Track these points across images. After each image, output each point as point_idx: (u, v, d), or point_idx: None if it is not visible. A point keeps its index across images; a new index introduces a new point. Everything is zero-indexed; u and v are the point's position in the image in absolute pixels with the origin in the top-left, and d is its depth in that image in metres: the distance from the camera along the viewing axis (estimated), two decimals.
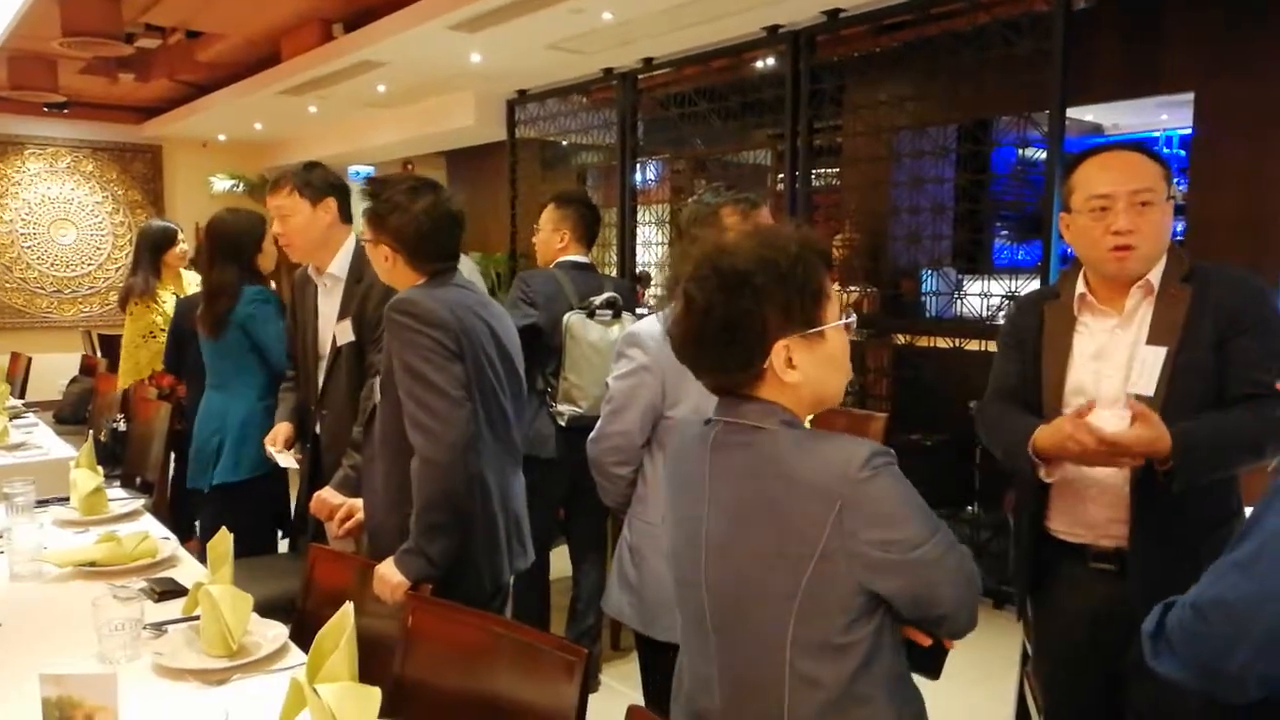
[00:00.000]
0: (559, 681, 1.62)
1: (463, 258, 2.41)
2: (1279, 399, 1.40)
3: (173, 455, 3.94)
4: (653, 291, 6.90)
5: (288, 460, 2.93)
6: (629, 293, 3.74)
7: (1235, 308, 1.83)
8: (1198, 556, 1.40)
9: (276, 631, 1.97)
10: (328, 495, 2.52)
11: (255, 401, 3.32)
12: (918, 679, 1.44)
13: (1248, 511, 1.33)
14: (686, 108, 6.03)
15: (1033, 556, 2.06)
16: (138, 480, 4.00)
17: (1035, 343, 2.04)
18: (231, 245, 3.39)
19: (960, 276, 5.22)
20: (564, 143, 7.38)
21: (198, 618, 1.93)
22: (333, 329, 2.82)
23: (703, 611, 1.44)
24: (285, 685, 1.52)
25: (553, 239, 3.54)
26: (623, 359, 2.22)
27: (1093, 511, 1.94)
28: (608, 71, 6.39)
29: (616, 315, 3.40)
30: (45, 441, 4.11)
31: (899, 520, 1.30)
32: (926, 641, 1.40)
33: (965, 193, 5.00)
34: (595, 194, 6.94)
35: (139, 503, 3.08)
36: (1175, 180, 1.95)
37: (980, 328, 4.54)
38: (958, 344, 4.62)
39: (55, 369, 7.58)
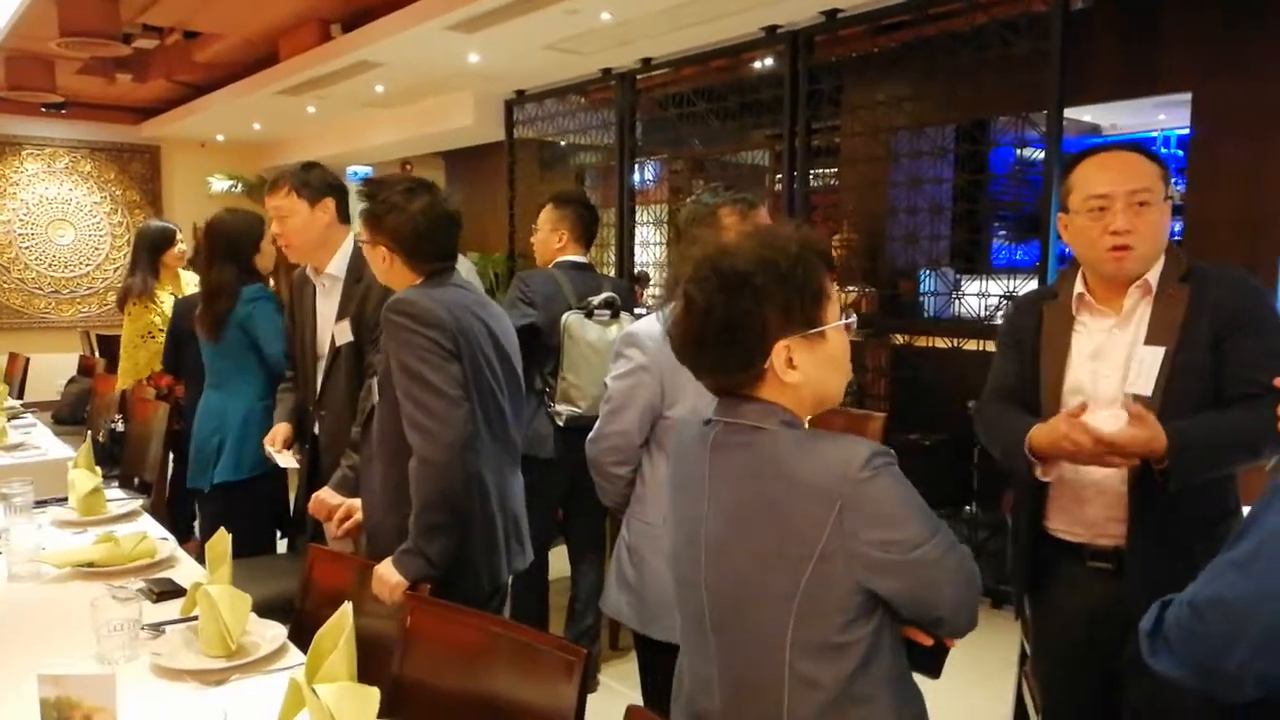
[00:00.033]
0: (558, 681, 1.62)
1: (460, 258, 2.41)
2: (1276, 398, 1.40)
3: (171, 455, 3.94)
4: (651, 291, 6.91)
5: (287, 460, 2.93)
6: (627, 293, 3.74)
7: (1233, 307, 1.84)
8: (1195, 555, 1.41)
9: (275, 632, 1.97)
10: (326, 495, 2.52)
11: (255, 401, 3.32)
12: (917, 678, 1.44)
13: (1245, 510, 1.34)
14: (685, 108, 6.03)
15: (1031, 556, 2.06)
16: (136, 481, 4.00)
17: (1033, 342, 2.04)
18: (230, 246, 3.39)
19: (958, 276, 5.23)
20: (562, 143, 7.38)
21: (196, 618, 1.93)
22: (331, 329, 2.82)
23: (702, 612, 1.44)
24: (284, 685, 1.52)
25: (551, 239, 3.54)
26: (621, 359, 2.22)
27: (1091, 511, 1.94)
28: (606, 72, 6.39)
29: (615, 315, 3.40)
30: (43, 442, 4.11)
31: (899, 520, 1.30)
32: (928, 641, 1.40)
33: (963, 193, 5.01)
34: (593, 194, 6.93)
35: (137, 503, 3.07)
36: (1173, 180, 1.95)
37: (978, 327, 4.54)
38: (956, 344, 4.62)
39: (53, 369, 7.57)
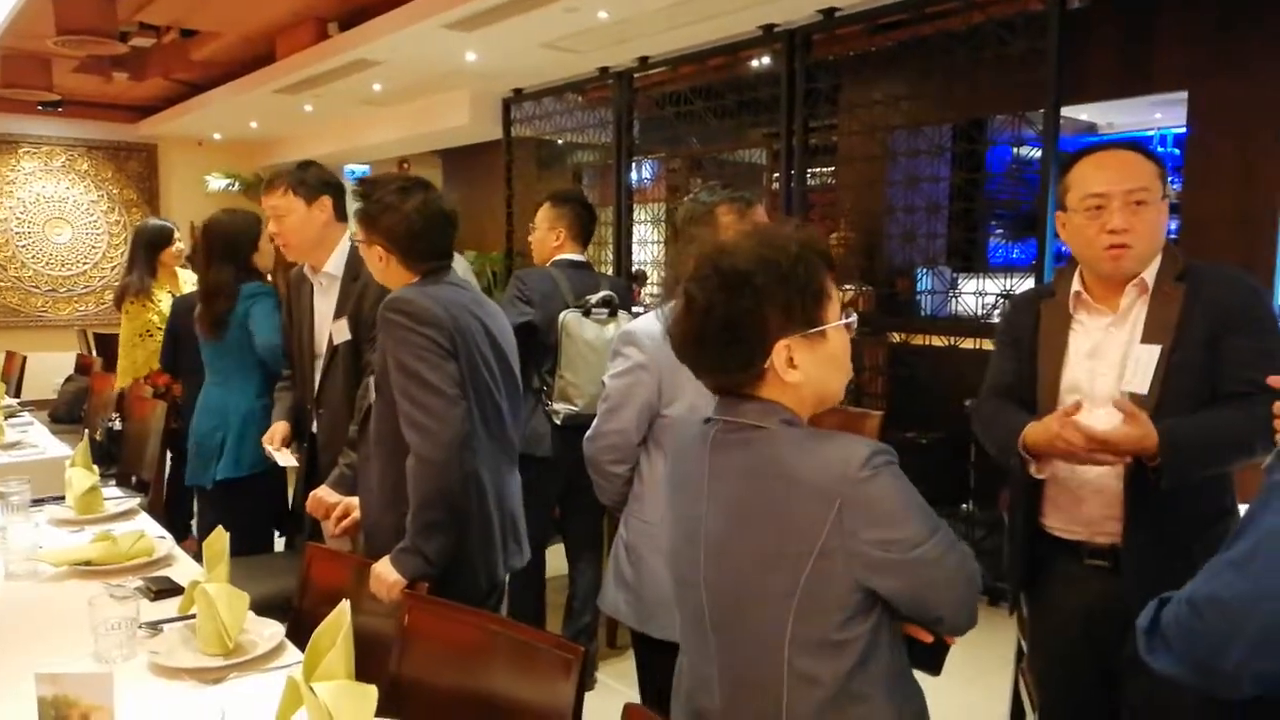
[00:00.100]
0: (555, 680, 1.62)
1: (456, 257, 2.40)
2: (1271, 397, 1.40)
3: (169, 454, 3.94)
4: (649, 290, 6.91)
5: (287, 459, 2.93)
6: (625, 291, 3.74)
7: (1228, 306, 1.84)
8: (1192, 553, 1.41)
9: (273, 630, 1.97)
10: (324, 494, 2.52)
11: (254, 399, 3.33)
12: (916, 674, 1.44)
13: (1242, 509, 1.34)
14: (682, 106, 6.02)
15: (1027, 553, 2.06)
16: (133, 479, 4.00)
17: (1031, 340, 2.04)
18: (228, 245, 3.39)
19: (955, 275, 5.23)
20: (560, 141, 7.39)
21: (194, 616, 1.93)
22: (329, 328, 2.82)
23: (702, 611, 1.44)
24: (281, 684, 1.52)
25: (548, 237, 3.54)
26: (619, 357, 2.23)
27: (1087, 509, 1.95)
28: (603, 70, 6.38)
29: (612, 313, 3.40)
30: (40, 440, 4.10)
31: (899, 519, 1.30)
32: (928, 638, 1.40)
33: (960, 191, 5.01)
34: (591, 193, 6.93)
35: (134, 501, 3.08)
36: (1169, 179, 1.95)
37: (975, 326, 4.55)
38: (953, 342, 4.62)
39: (50, 368, 7.56)
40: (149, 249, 4.48)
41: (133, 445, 4.07)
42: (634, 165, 6.56)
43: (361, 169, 10.36)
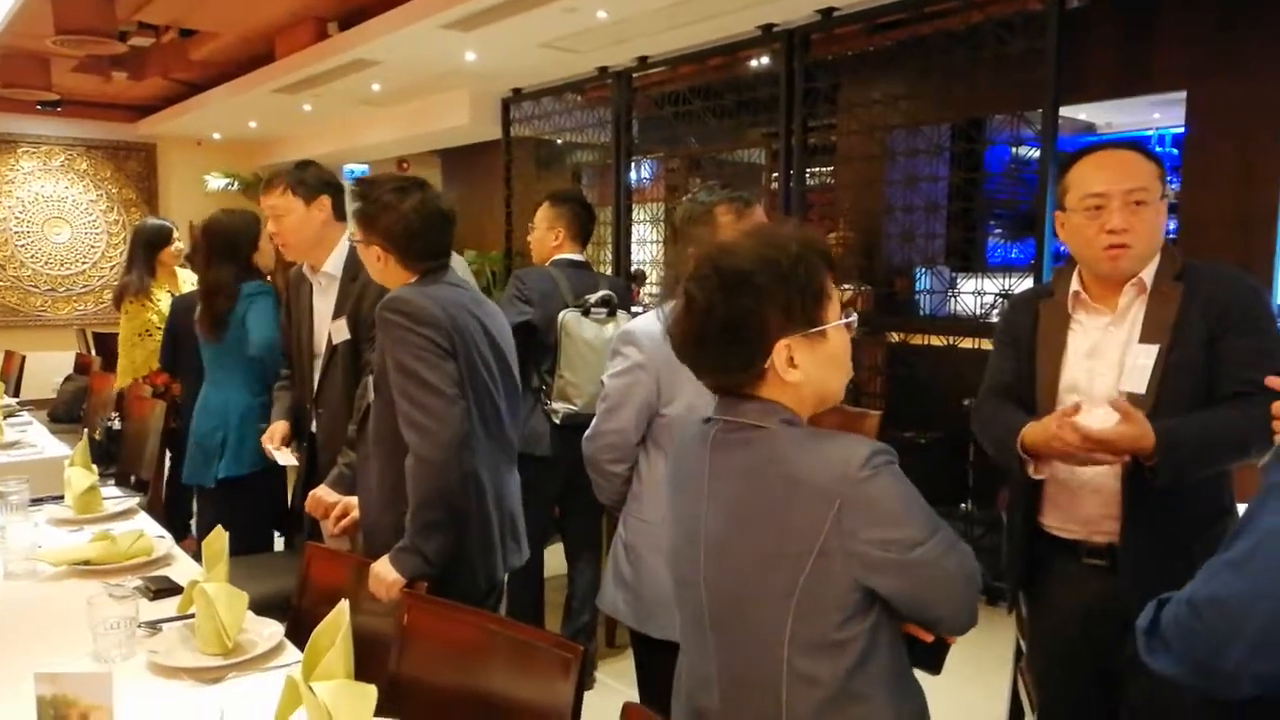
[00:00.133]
0: (554, 679, 1.62)
1: (454, 257, 2.40)
2: (1269, 397, 1.40)
3: (168, 453, 3.94)
4: (648, 289, 6.91)
5: (287, 458, 2.93)
6: (624, 290, 3.75)
7: (1226, 306, 1.84)
8: (1190, 553, 1.41)
9: (272, 629, 1.97)
10: (323, 493, 2.51)
11: (253, 398, 3.33)
12: (917, 673, 1.44)
13: (1241, 508, 1.34)
14: (681, 106, 6.02)
15: (1026, 552, 2.06)
16: (132, 479, 4.00)
17: (1030, 340, 2.04)
18: (227, 245, 3.39)
19: (954, 274, 5.23)
20: (559, 141, 7.39)
21: (193, 616, 1.93)
22: (328, 327, 2.81)
23: (701, 610, 1.44)
24: (281, 683, 1.52)
25: (548, 237, 3.54)
26: (618, 357, 2.23)
27: (1086, 508, 1.95)
28: (602, 70, 6.38)
29: (611, 313, 3.40)
30: (40, 440, 4.10)
31: (899, 519, 1.30)
32: (928, 637, 1.40)
33: (959, 191, 5.01)
34: (590, 192, 6.93)
35: (134, 501, 3.08)
36: (1168, 179, 1.95)
37: (974, 326, 4.55)
38: (951, 342, 4.63)
39: (50, 367, 7.56)
40: (148, 248, 4.48)
41: (132, 445, 4.07)
42: (633, 165, 6.55)
43: (360, 169, 10.36)
